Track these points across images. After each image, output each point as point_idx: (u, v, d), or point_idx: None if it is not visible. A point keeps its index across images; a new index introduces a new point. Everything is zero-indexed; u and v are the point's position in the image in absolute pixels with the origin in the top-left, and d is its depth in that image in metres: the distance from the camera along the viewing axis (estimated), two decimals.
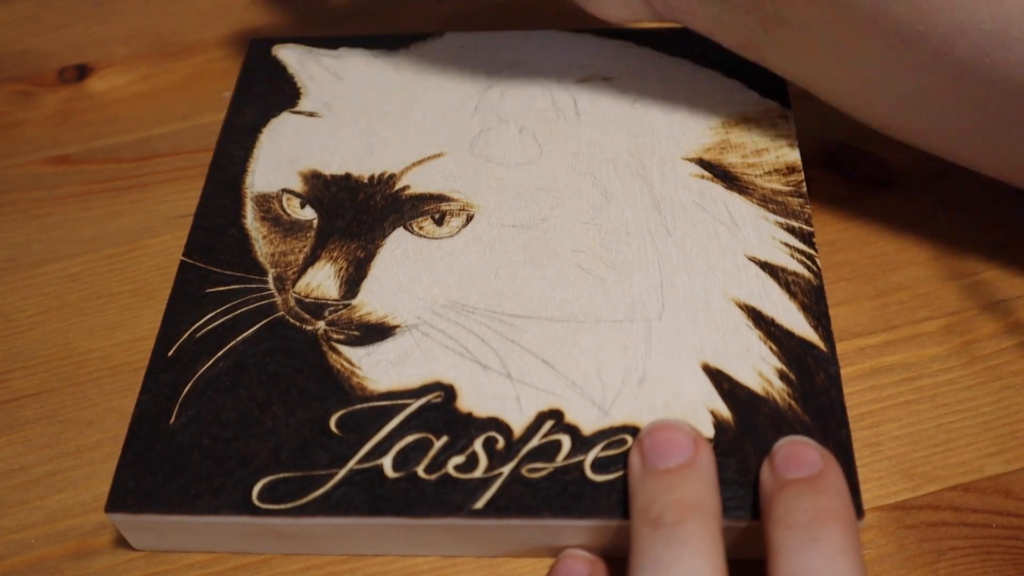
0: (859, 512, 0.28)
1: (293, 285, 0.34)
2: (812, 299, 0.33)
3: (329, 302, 0.33)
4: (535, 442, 0.30)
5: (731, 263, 0.34)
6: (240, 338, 0.33)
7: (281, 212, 0.37)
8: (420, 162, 0.38)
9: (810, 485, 0.27)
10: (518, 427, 0.30)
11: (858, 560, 0.25)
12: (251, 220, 0.36)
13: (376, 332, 0.33)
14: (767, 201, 0.35)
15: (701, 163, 0.37)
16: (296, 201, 0.37)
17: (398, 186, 0.37)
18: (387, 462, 0.30)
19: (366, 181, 0.37)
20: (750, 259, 0.34)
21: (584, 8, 0.37)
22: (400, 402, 0.31)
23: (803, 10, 0.32)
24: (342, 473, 0.30)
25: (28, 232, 0.41)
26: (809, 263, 0.33)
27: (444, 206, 0.36)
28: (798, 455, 0.28)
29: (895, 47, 0.30)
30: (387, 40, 0.43)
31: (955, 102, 0.31)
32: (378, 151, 0.38)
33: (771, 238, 0.34)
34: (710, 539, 0.26)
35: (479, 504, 0.29)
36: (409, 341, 0.32)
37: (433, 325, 0.33)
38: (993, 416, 0.32)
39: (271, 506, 0.29)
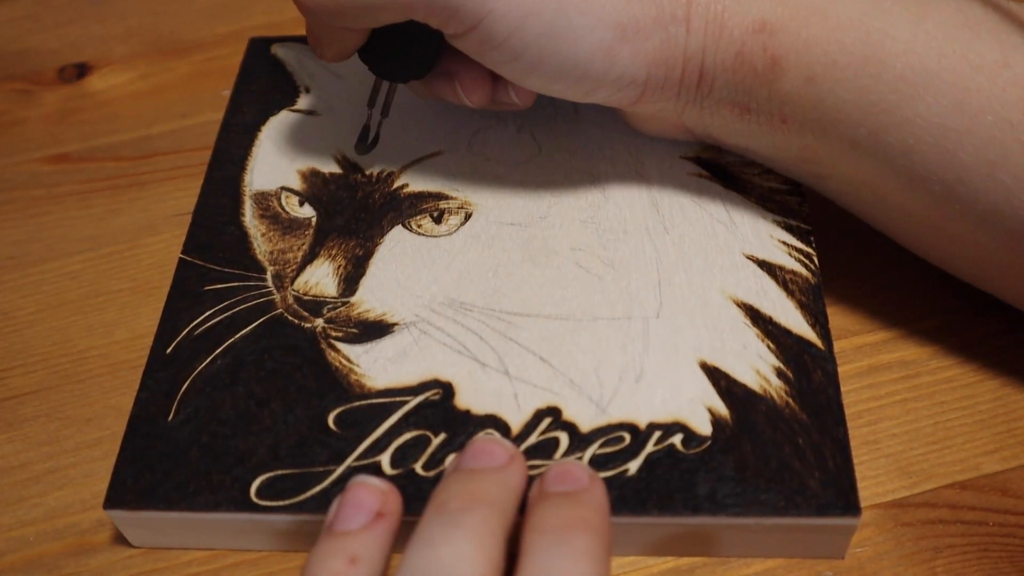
0: (856, 510, 0.28)
1: (292, 283, 0.34)
2: (810, 297, 0.33)
3: (327, 300, 0.34)
4: (533, 439, 0.30)
5: (729, 261, 0.34)
6: (238, 336, 0.33)
7: (280, 210, 0.37)
8: (418, 160, 0.38)
9: (569, 497, 0.27)
10: (516, 424, 0.30)
11: (603, 569, 0.25)
12: (250, 218, 0.36)
13: (374, 330, 0.33)
14: (765, 199, 0.35)
15: (699, 161, 0.37)
16: (295, 199, 0.37)
17: (396, 184, 0.37)
18: (385, 459, 0.30)
19: (364, 179, 0.37)
20: (748, 257, 0.34)
21: (627, 124, 0.37)
22: (398, 399, 0.31)
23: (843, 168, 0.32)
24: (340, 470, 0.30)
25: (27, 230, 0.41)
26: (807, 261, 0.34)
27: (442, 204, 0.36)
28: (566, 472, 0.28)
29: (936, 213, 0.31)
30: None
31: (1000, 253, 0.31)
32: (376, 149, 0.38)
33: (769, 236, 0.34)
34: (489, 531, 0.25)
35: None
36: (407, 339, 0.32)
37: (431, 323, 0.33)
38: (990, 414, 0.32)
39: (269, 503, 0.29)
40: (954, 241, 0.31)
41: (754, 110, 0.32)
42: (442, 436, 0.30)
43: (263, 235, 0.36)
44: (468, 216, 0.36)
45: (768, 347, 0.31)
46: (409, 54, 0.34)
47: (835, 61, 0.30)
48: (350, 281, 0.34)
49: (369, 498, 0.27)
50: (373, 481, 0.28)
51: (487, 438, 0.29)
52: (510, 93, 0.34)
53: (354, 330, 0.33)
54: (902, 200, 0.31)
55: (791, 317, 0.32)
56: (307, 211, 0.36)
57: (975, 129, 0.28)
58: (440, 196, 0.36)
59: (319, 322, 0.33)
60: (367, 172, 0.37)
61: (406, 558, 0.25)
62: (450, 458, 0.30)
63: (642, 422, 0.30)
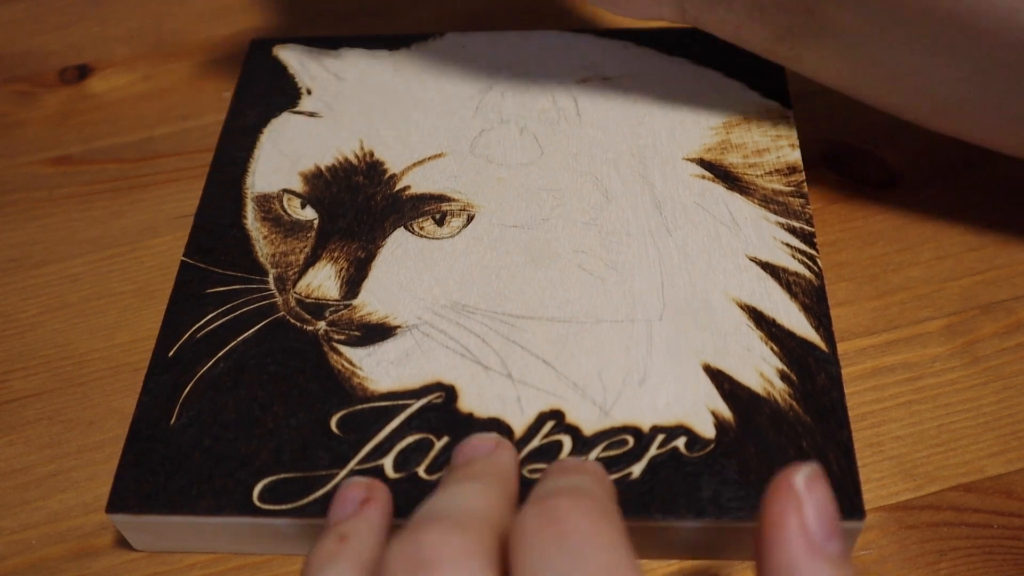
0: (860, 513, 0.28)
1: (294, 285, 0.34)
2: (813, 299, 0.32)
3: (330, 302, 0.33)
4: (536, 443, 0.30)
5: (732, 263, 0.34)
6: (241, 338, 0.33)
7: (282, 212, 0.36)
8: (421, 162, 0.38)
9: (563, 470, 0.27)
10: (519, 428, 0.30)
11: (608, 489, 0.25)
12: (252, 220, 0.36)
13: (377, 332, 0.33)
14: (768, 201, 0.35)
15: (702, 163, 0.37)
16: (297, 201, 0.37)
17: (399, 186, 0.37)
18: (388, 463, 0.30)
19: (366, 181, 0.37)
20: (751, 259, 0.34)
21: (608, 9, 0.37)
22: (401, 402, 0.31)
23: (845, 18, 0.32)
24: (343, 474, 0.30)
25: (29, 232, 0.41)
26: (810, 263, 0.33)
27: (445, 206, 0.36)
28: (561, 463, 0.28)
29: (949, 38, 0.31)
30: (388, 40, 0.43)
31: (1001, 84, 0.32)
32: (379, 151, 0.38)
33: (772, 238, 0.34)
34: (491, 485, 0.25)
35: None
36: (410, 341, 0.32)
37: (434, 325, 0.33)
38: (994, 416, 0.32)
39: (272, 507, 0.29)
40: (962, 66, 0.32)
41: None
42: (445, 439, 0.30)
43: (265, 237, 0.36)
44: (470, 218, 0.36)
45: (772, 350, 0.31)
46: None
47: None
48: (352, 284, 0.34)
49: (355, 491, 0.28)
50: (358, 479, 0.28)
51: (469, 439, 0.29)
52: None
53: (356, 333, 0.33)
54: (920, 8, 0.31)
55: (794, 319, 0.32)
56: (309, 213, 0.36)
57: None
58: (442, 198, 0.36)
59: (321, 325, 0.33)
60: (369, 175, 0.37)
61: (415, 512, 0.25)
62: None
63: (645, 425, 0.30)
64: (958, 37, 0.31)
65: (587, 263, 0.34)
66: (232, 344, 0.33)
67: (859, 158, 0.40)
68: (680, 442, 0.30)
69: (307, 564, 0.25)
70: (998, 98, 0.32)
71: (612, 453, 0.29)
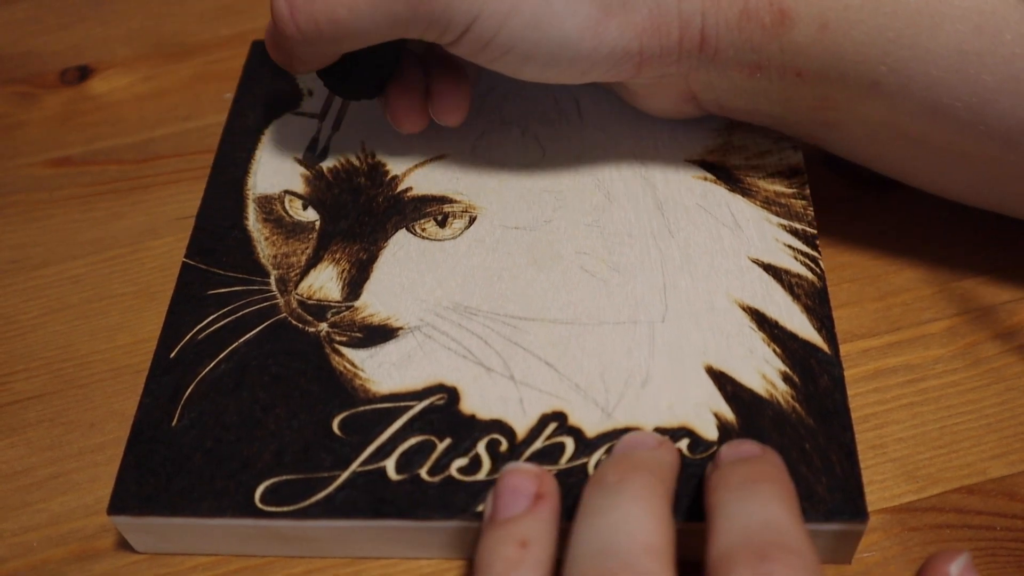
0: (863, 515, 0.28)
1: (295, 287, 0.34)
2: (815, 301, 0.32)
3: (331, 304, 0.33)
4: (538, 444, 0.30)
5: (734, 265, 0.34)
6: (242, 340, 0.33)
7: (283, 214, 0.36)
8: (422, 164, 0.38)
9: (746, 460, 0.27)
10: (521, 429, 0.30)
11: (794, 514, 0.25)
12: (253, 222, 0.36)
13: (379, 334, 0.33)
14: (770, 203, 0.35)
15: (704, 165, 0.37)
16: (298, 203, 0.37)
17: (400, 188, 0.37)
18: (390, 464, 0.30)
19: (368, 183, 0.37)
20: (753, 261, 0.34)
21: (630, 103, 0.37)
22: (403, 404, 0.31)
23: (862, 111, 0.32)
24: (345, 475, 0.30)
25: (30, 234, 0.41)
26: (812, 265, 0.33)
27: (447, 208, 0.36)
28: (737, 446, 0.28)
29: (960, 139, 0.31)
30: None
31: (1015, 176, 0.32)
32: (380, 153, 0.38)
33: (774, 240, 0.34)
34: (652, 493, 0.26)
35: (482, 507, 0.29)
36: (412, 343, 0.32)
37: (436, 327, 0.33)
38: (997, 418, 0.32)
39: (274, 508, 0.29)
40: (977, 167, 0.32)
41: (765, 67, 0.32)
42: (447, 441, 0.30)
43: (266, 239, 0.36)
44: (472, 220, 0.36)
45: (774, 351, 0.31)
46: (366, 75, 0.35)
47: (847, 4, 0.30)
48: (354, 285, 0.34)
49: (525, 482, 0.27)
50: (525, 466, 0.28)
51: (635, 432, 0.29)
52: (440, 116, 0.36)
53: (358, 334, 0.33)
54: (924, 132, 0.31)
55: (797, 321, 0.32)
56: (311, 215, 0.36)
57: (996, 48, 0.29)
58: (444, 200, 0.36)
59: (323, 326, 0.33)
60: (371, 176, 0.37)
61: (574, 533, 0.25)
62: (456, 462, 0.29)
63: (648, 427, 0.30)
64: (968, 147, 0.31)
65: (589, 264, 0.34)
66: (233, 346, 0.33)
67: None
68: (683, 444, 0.29)
69: (485, 565, 0.25)
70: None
71: None
